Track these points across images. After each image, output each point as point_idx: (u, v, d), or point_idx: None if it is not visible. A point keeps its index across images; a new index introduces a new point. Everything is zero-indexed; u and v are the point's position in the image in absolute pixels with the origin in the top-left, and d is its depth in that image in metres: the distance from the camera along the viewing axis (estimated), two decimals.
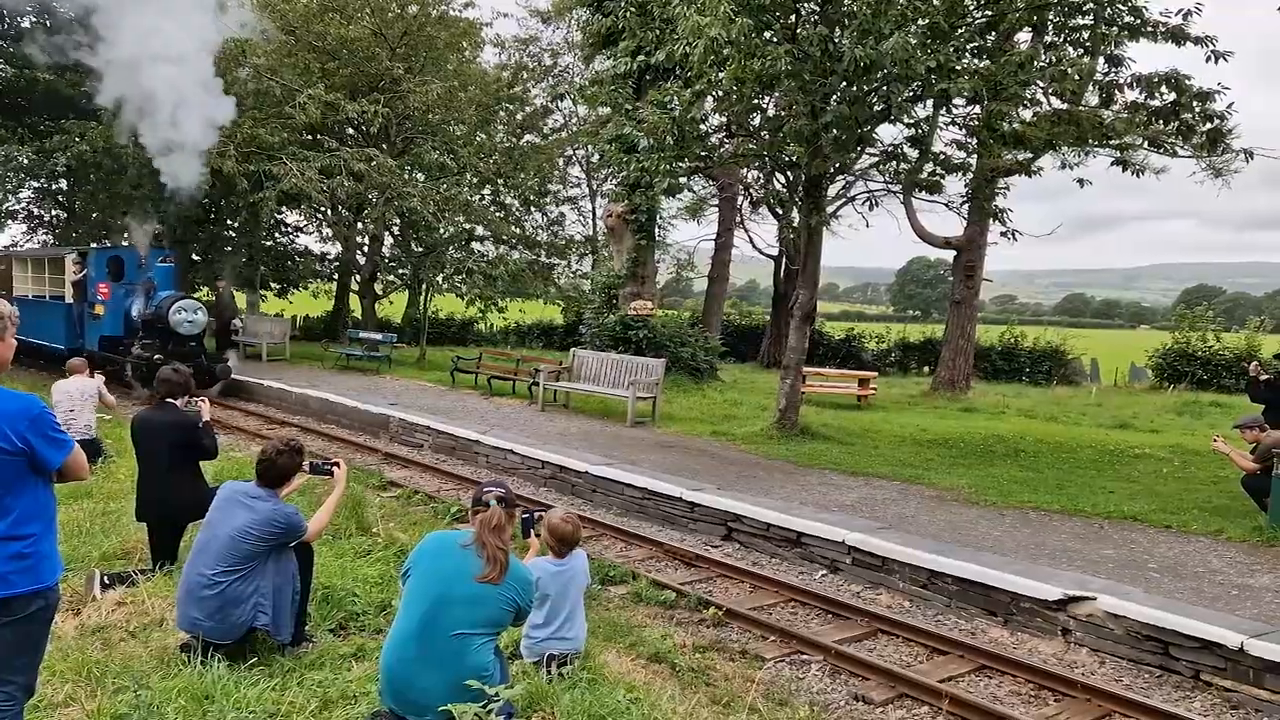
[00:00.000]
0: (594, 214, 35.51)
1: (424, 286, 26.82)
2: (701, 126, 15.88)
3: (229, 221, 27.56)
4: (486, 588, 4.29)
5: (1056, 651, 7.44)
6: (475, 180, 28.21)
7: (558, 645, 5.52)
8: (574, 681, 5.17)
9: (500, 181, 29.14)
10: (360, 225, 27.55)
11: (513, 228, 30.28)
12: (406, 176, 25.05)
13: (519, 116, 31.68)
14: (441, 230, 25.23)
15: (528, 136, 31.91)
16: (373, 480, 11.81)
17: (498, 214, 29.18)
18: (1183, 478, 12.72)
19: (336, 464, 6.09)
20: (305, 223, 29.90)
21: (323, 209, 26.95)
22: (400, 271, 30.38)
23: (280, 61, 24.31)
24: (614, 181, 17.74)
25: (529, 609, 4.34)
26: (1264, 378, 11.46)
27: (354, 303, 31.33)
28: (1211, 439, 10.46)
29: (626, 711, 4.38)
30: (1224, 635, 6.71)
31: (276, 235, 29.93)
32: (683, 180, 16.92)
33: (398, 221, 27.21)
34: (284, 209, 26.29)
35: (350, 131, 27.53)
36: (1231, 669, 6.66)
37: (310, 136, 25.29)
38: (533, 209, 32.82)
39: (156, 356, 16.66)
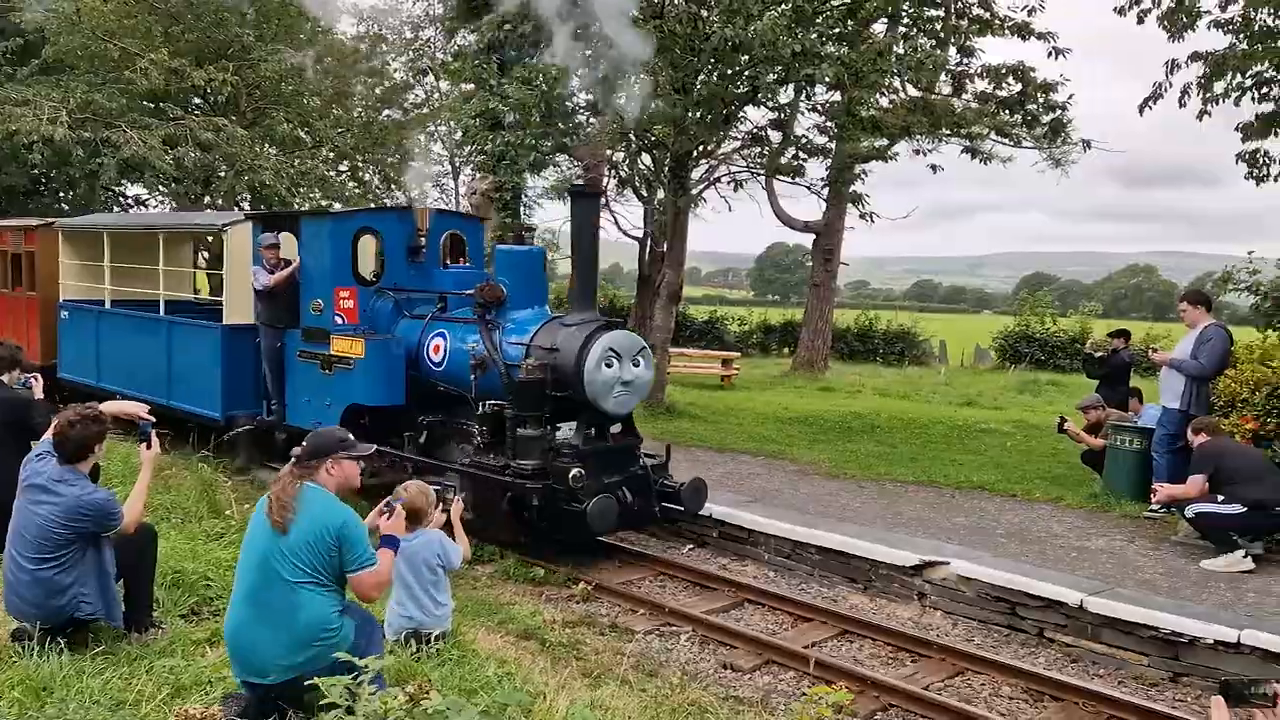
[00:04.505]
0: (457, 192, 34.86)
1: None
2: (568, 104, 15.76)
3: (61, 194, 25.79)
4: (295, 536, 4.17)
5: (913, 615, 7.73)
6: (332, 155, 27.24)
7: (415, 622, 5.48)
8: (443, 659, 5.07)
9: (359, 157, 28.23)
10: (208, 199, 26.25)
11: (372, 204, 29.42)
12: (258, 150, 23.99)
13: (378, 90, 30.74)
14: (296, 205, 24.28)
15: (387, 111, 31.01)
16: None
17: (357, 190, 28.28)
18: (1025, 450, 13.41)
19: (149, 437, 5.38)
20: (147, 195, 28.27)
21: (167, 181, 25.54)
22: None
23: (119, 24, 22.86)
24: (478, 158, 17.41)
25: (349, 545, 4.21)
26: (1099, 354, 12.17)
27: (201, 281, 29.86)
28: (1058, 423, 11.01)
29: (499, 684, 4.30)
30: (1065, 594, 7.10)
31: (115, 209, 28.20)
32: (548, 158, 16.75)
33: (248, 196, 26.05)
34: (124, 181, 24.77)
35: (197, 101, 26.16)
36: (1072, 625, 7.06)
37: (153, 104, 23.89)
38: (394, 186, 31.97)
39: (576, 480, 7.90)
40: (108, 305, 12.89)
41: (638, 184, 17.72)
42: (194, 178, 24.84)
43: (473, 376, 8.62)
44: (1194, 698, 6.30)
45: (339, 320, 9.67)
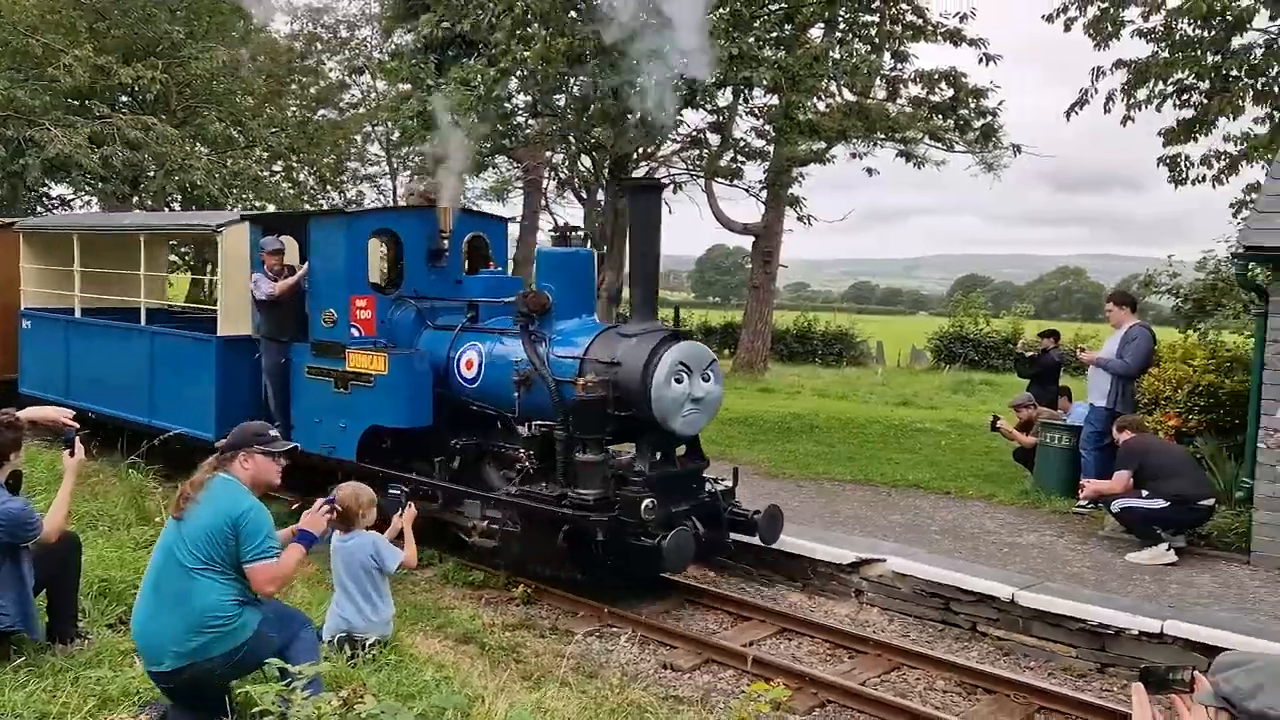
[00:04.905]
0: (394, 193, 34.49)
1: (209, 266, 25.26)
2: (506, 105, 15.70)
3: None
4: (196, 524, 4.22)
5: (850, 612, 7.83)
6: (266, 155, 26.79)
7: (350, 625, 5.44)
8: (380, 664, 5.01)
9: (294, 157, 27.81)
10: (137, 200, 25.62)
11: (308, 206, 28.99)
12: (189, 149, 23.48)
13: (313, 90, 30.33)
14: (229, 207, 23.82)
15: (323, 111, 30.60)
16: None
17: (291, 191, 27.84)
18: (958, 449, 13.66)
19: (73, 444, 5.10)
20: (73, 195, 27.52)
21: (94, 181, 24.88)
22: (182, 250, 28.48)
23: (41, 19, 22.22)
24: (416, 159, 17.28)
25: (246, 534, 4.22)
26: (1030, 354, 12.47)
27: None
28: (991, 421, 11.26)
29: (437, 688, 4.27)
30: (997, 589, 7.25)
31: (39, 209, 27.39)
32: (487, 159, 16.69)
33: (179, 197, 25.49)
34: (49, 181, 24.06)
35: (125, 99, 25.53)
36: (1004, 619, 7.21)
37: (79, 102, 23.27)
38: (329, 187, 31.53)
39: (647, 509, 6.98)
40: (78, 314, 11.88)
41: (577, 186, 17.73)
42: (122, 177, 24.21)
43: (516, 394, 7.73)
44: (1120, 687, 6.47)
45: (355, 332, 8.70)
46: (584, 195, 19.78)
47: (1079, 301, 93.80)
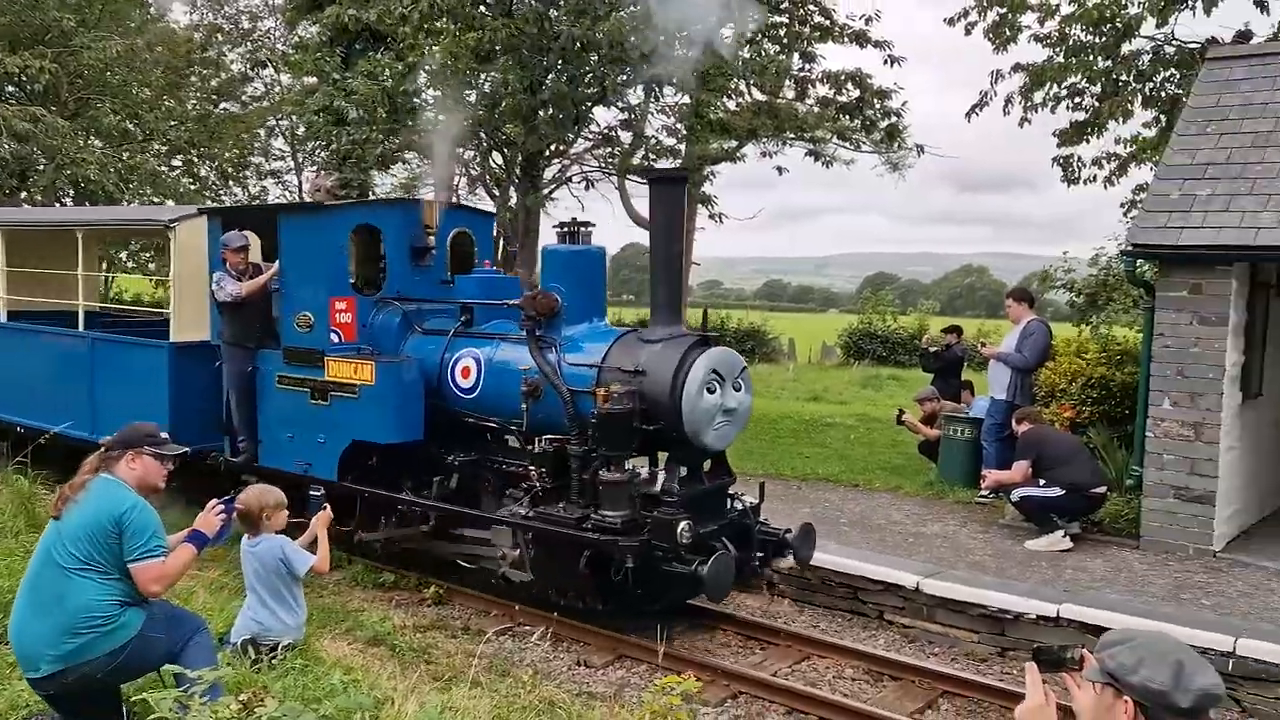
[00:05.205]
0: (300, 189, 33.72)
1: (104, 265, 24.33)
2: (415, 100, 15.49)
3: None
4: (75, 523, 4.13)
5: (762, 604, 7.93)
6: (164, 149, 25.90)
7: (260, 627, 5.33)
8: (286, 668, 4.90)
9: (194, 152, 26.95)
10: (25, 195, 24.54)
11: (209, 202, 28.13)
12: (81, 142, 22.58)
13: (214, 82, 29.41)
14: (126, 203, 22.97)
15: (224, 104, 29.71)
16: None
17: (192, 186, 26.96)
18: (867, 443, 13.95)
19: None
20: None
21: None
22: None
23: None
24: (322, 154, 16.91)
25: (130, 533, 4.13)
26: (934, 349, 12.80)
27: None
28: (897, 415, 11.53)
29: (344, 691, 4.19)
30: (903, 577, 7.44)
31: None
32: (396, 154, 16.43)
33: (71, 191, 24.49)
34: None
35: (11, 89, 24.42)
36: (909, 607, 7.40)
37: None
38: (232, 182, 30.64)
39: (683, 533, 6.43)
40: (3, 318, 11.06)
41: (489, 183, 17.58)
42: (9, 170, 23.15)
43: (524, 406, 7.17)
44: (1019, 670, 6.69)
45: (335, 338, 7.99)
46: (495, 193, 19.62)
47: (982, 299, 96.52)
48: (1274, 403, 9.20)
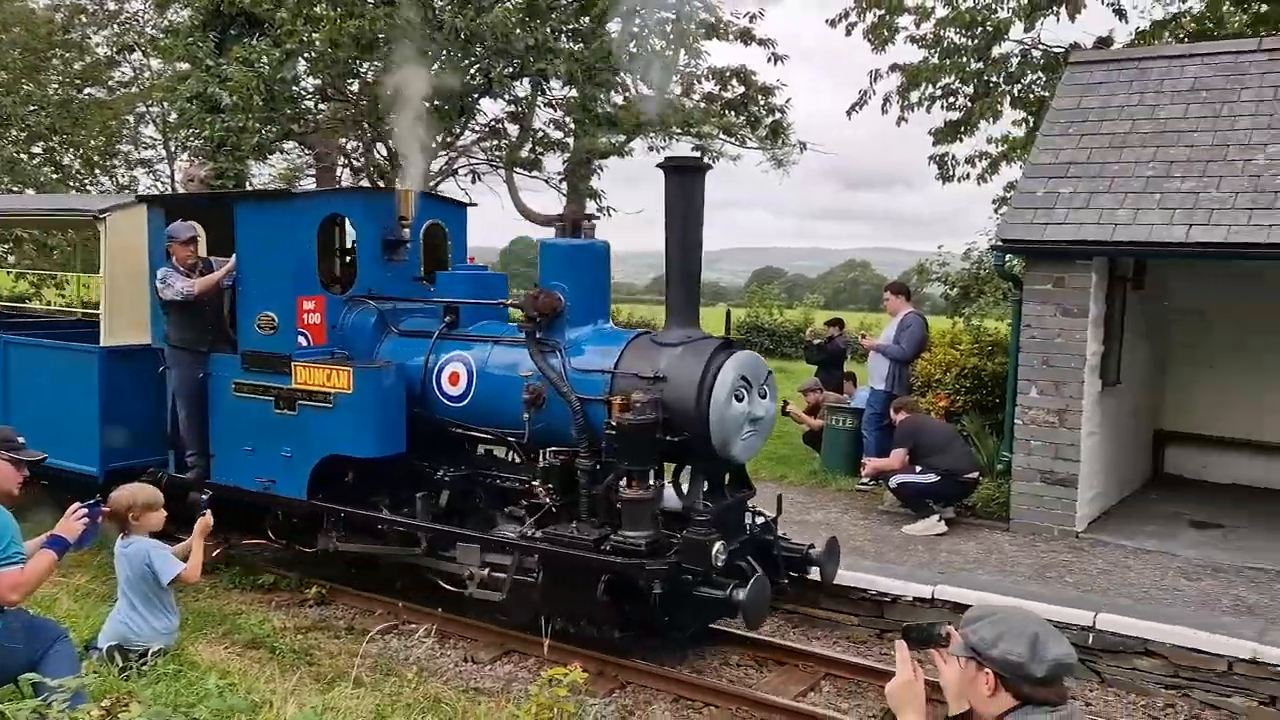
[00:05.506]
0: (172, 178, 32.39)
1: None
2: (294, 88, 15.06)
3: None
4: None
5: None
6: (23, 136, 24.56)
7: (130, 632, 5.14)
8: (156, 675, 4.73)
9: (56, 139, 25.62)
10: None
11: (74, 191, 26.76)
12: None
13: (77, 66, 27.99)
14: None
15: (89, 89, 28.30)
16: None
17: (55, 176, 25.63)
18: None
19: None
20: None
21: None
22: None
23: None
24: (196, 142, 16.27)
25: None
26: (817, 342, 13.11)
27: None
28: (781, 406, 11.74)
29: (219, 696, 4.06)
30: None
31: None
32: (274, 144, 15.93)
33: None
34: None
35: None
36: (793, 593, 7.54)
37: None
38: (98, 171, 29.22)
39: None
40: None
41: (373, 174, 17.20)
42: None
43: (526, 416, 6.58)
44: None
45: (303, 341, 7.21)
46: (380, 185, 19.21)
47: (865, 293, 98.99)
48: (1132, 390, 9.72)
